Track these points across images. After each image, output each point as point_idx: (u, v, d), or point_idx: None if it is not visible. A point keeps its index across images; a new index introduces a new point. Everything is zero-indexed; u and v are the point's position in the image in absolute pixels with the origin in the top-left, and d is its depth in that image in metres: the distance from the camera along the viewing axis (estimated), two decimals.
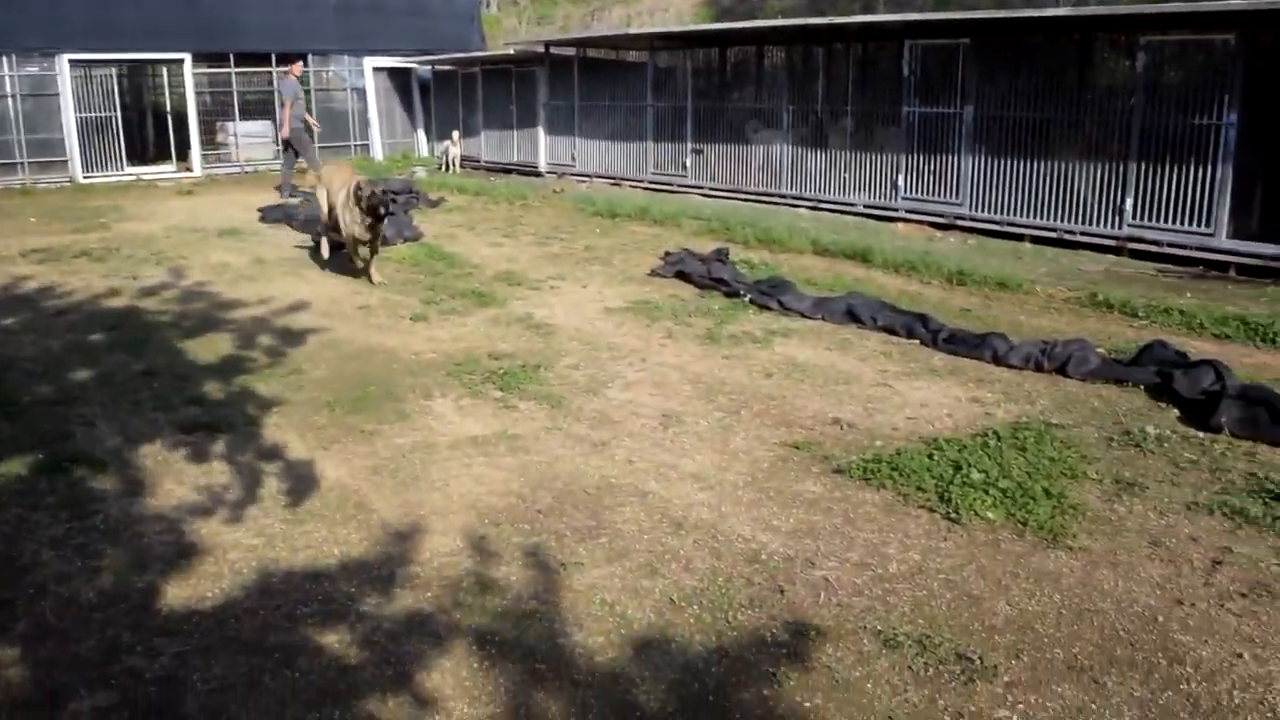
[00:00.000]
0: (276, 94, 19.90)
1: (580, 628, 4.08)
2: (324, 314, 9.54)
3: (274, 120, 24.71)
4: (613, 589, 4.39)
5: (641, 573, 4.53)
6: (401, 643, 4.00)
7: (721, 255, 11.10)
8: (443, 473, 5.71)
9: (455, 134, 23.90)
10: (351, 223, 10.36)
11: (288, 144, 18.82)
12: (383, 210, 10.24)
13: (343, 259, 11.41)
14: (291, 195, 18.03)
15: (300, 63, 19.29)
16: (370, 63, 25.49)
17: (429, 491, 5.46)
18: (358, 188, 10.19)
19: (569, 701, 3.61)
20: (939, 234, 13.71)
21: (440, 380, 7.41)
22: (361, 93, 25.71)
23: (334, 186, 10.82)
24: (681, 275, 10.73)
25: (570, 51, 21.70)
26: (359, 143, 25.62)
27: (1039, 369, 7.41)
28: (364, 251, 10.70)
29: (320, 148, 24.78)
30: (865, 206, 15.33)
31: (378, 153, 25.70)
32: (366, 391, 7.14)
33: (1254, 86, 11.24)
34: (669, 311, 9.39)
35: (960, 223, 13.85)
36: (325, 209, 11.22)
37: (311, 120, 19.38)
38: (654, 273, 11.12)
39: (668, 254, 11.44)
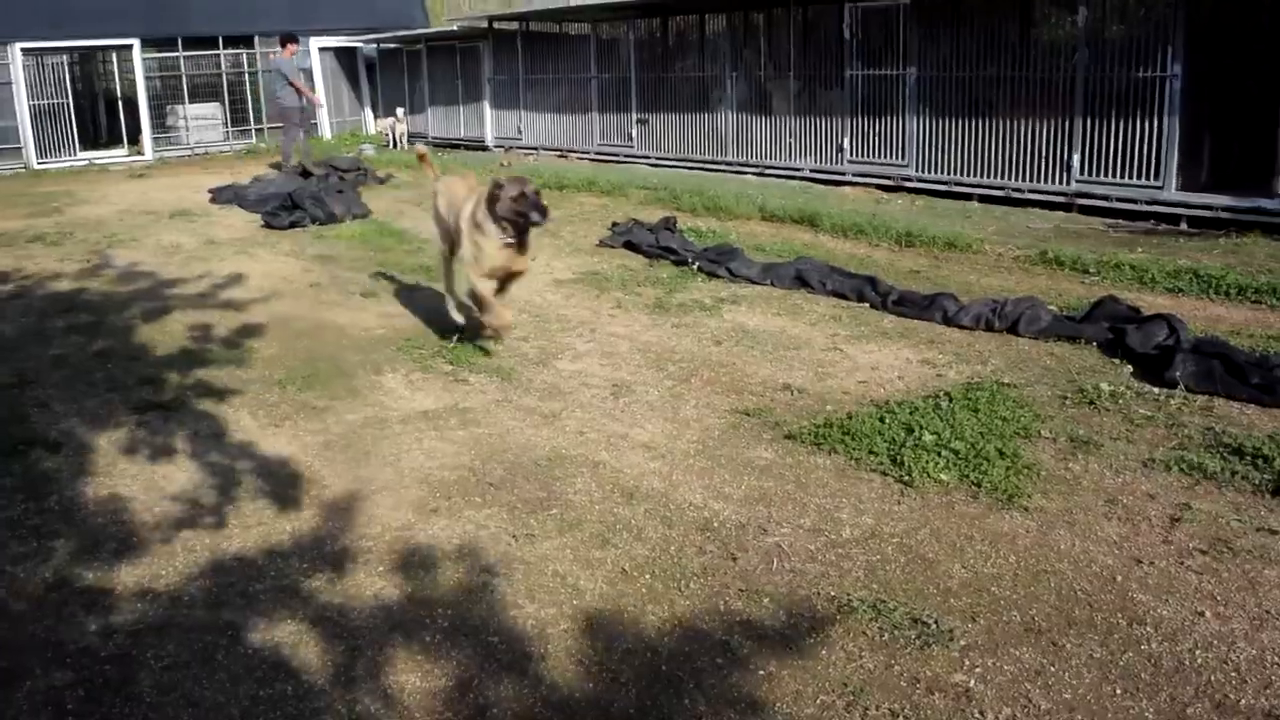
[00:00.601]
0: (276, 76, 19.53)
1: (532, 599, 4.03)
2: (275, 292, 9.41)
3: (223, 102, 24.48)
4: (564, 560, 4.34)
5: (593, 543, 4.48)
6: (353, 618, 3.93)
7: (669, 224, 11.03)
8: (394, 447, 5.64)
9: (400, 110, 23.68)
10: (480, 241, 6.77)
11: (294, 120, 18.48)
12: (535, 217, 6.61)
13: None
14: (294, 168, 17.55)
15: (295, 43, 18.78)
16: (316, 43, 25.14)
17: (380, 466, 5.38)
18: (496, 186, 6.63)
19: (520, 674, 3.56)
20: (886, 196, 13.72)
21: (391, 356, 7.32)
22: (308, 73, 25.33)
23: (455, 202, 7.27)
24: (630, 245, 10.66)
25: (514, 26, 21.53)
26: (308, 122, 25.28)
27: (990, 328, 7.40)
28: (485, 287, 6.93)
29: (272, 128, 24.56)
30: (811, 171, 15.32)
31: (326, 132, 25.37)
32: (317, 368, 7.04)
33: (1197, 37, 11.27)
34: (618, 282, 9.32)
35: (907, 184, 13.86)
36: (440, 232, 7.75)
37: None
38: (602, 243, 11.05)
39: (615, 224, 11.37)
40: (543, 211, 6.60)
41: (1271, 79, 11.10)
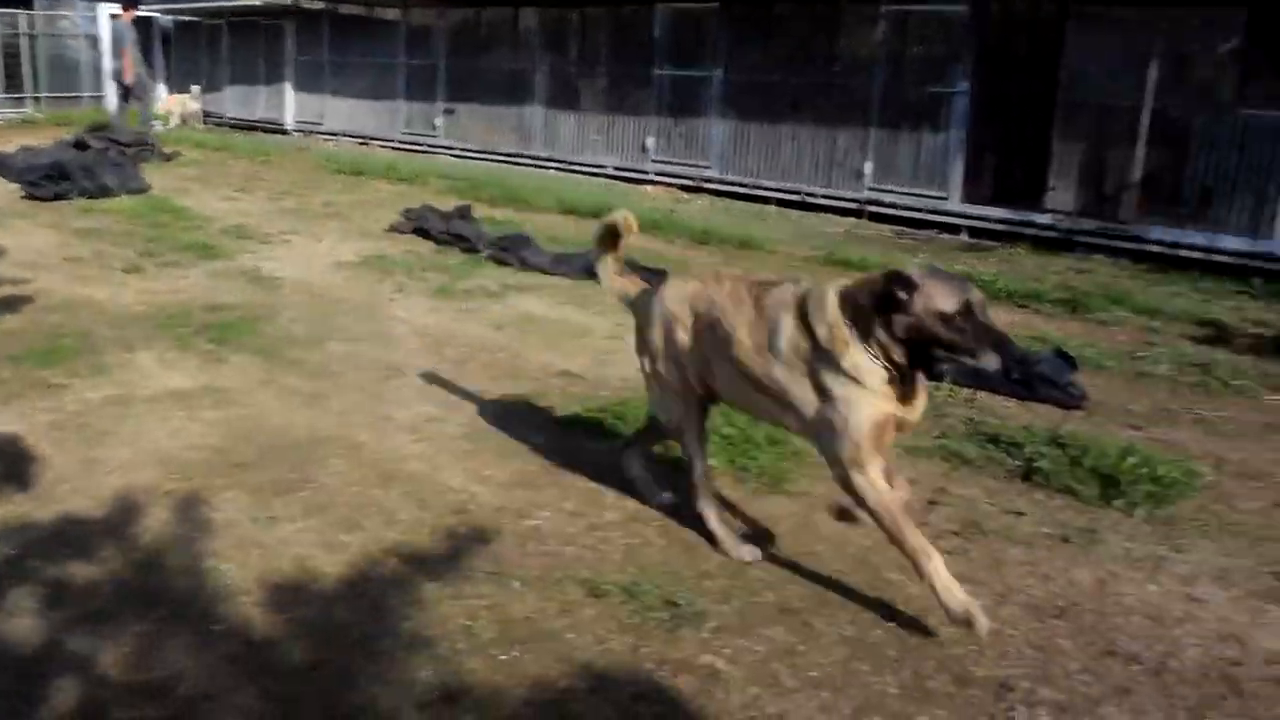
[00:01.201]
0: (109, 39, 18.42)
1: (264, 585, 3.73)
2: (26, 265, 8.71)
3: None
4: (306, 544, 4.05)
5: (340, 526, 4.20)
6: (58, 608, 3.54)
7: (464, 212, 10.77)
8: (135, 427, 5.21)
9: (195, 88, 22.65)
10: (845, 389, 3.57)
11: (128, 91, 17.40)
12: (989, 362, 3.48)
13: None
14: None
15: (134, 8, 17.63)
16: (106, 9, 23.75)
17: (116, 447, 4.95)
18: (896, 283, 3.47)
19: (239, 665, 3.27)
20: (687, 196, 13.81)
21: (147, 333, 6.84)
22: (95, 41, 23.95)
23: (735, 323, 3.90)
24: (421, 231, 10.38)
25: (320, 5, 20.84)
26: (92, 94, 23.89)
27: None
28: (874, 473, 3.57)
29: (49, 97, 23.14)
30: (616, 168, 15.31)
31: (113, 105, 24.08)
32: (61, 344, 6.49)
33: (986, 59, 11.71)
34: (403, 266, 9.03)
35: (708, 185, 13.97)
36: (662, 361, 4.23)
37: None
38: (393, 229, 10.72)
39: (408, 210, 11.04)
40: (1003, 348, 3.50)
41: (1044, 104, 11.61)
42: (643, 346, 4.31)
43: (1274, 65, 10.55)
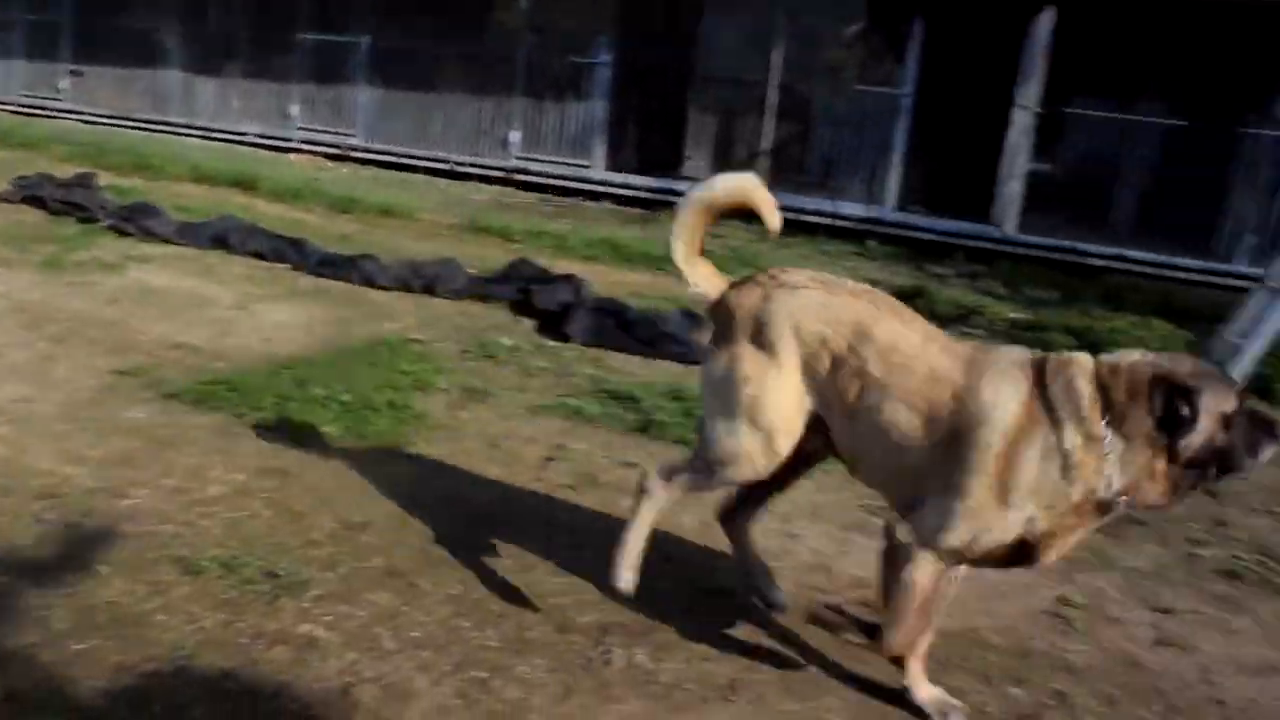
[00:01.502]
0: None
1: None
2: None
3: None
4: None
5: None
6: None
7: (85, 180, 10.07)
8: None
9: None
10: (1028, 499, 2.81)
11: None
12: (1263, 450, 2.83)
13: None
14: None
15: None
16: None
17: None
18: (1175, 385, 2.75)
19: None
20: (332, 164, 13.48)
21: None
22: None
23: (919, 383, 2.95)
24: (34, 200, 9.58)
25: None
26: None
27: (409, 289, 7.41)
28: (931, 572, 2.96)
29: None
30: (258, 136, 14.74)
31: None
32: None
33: (628, 32, 12.03)
34: (7, 238, 8.30)
35: (354, 154, 13.71)
36: (778, 388, 3.11)
37: None
38: (0, 198, 9.84)
39: (21, 178, 10.18)
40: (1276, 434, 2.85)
41: (682, 77, 12.11)
42: (741, 360, 3.16)
43: (892, 48, 11.39)
